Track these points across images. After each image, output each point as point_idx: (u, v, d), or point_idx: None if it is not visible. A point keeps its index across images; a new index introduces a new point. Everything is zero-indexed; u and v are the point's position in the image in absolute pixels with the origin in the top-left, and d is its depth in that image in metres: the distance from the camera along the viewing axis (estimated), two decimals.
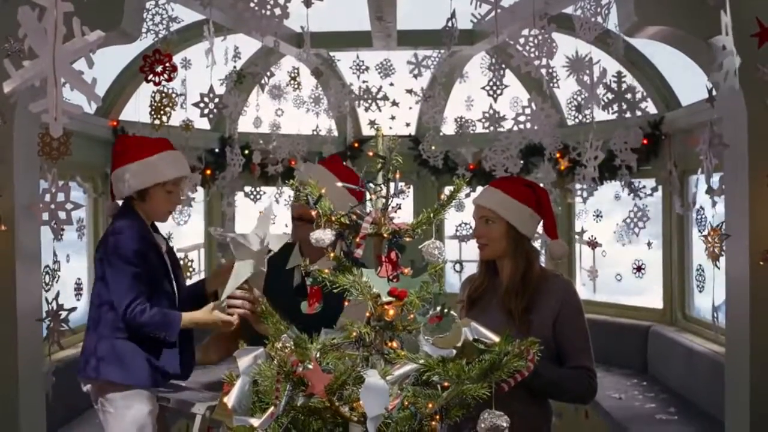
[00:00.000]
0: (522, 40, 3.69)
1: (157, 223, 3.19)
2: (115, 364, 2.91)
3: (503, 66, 4.88)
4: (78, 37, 1.63)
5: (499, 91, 4.70)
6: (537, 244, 3.18)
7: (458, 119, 6.05)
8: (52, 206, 3.08)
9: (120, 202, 3.11)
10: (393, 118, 6.10)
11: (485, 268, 2.71)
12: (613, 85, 4.04)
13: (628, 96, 4.08)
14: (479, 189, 6.44)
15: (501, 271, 2.67)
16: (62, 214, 3.12)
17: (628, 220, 5.09)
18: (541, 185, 3.13)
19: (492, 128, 4.94)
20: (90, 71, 1.73)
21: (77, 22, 1.62)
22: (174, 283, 3.09)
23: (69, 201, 3.07)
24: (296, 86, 5.44)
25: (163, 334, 2.89)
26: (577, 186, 5.23)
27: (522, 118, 4.50)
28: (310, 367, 1.60)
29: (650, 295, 5.94)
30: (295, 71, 5.38)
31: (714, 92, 3.08)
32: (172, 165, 3.02)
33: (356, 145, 6.77)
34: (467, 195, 5.88)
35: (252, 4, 3.42)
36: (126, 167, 2.98)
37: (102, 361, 2.91)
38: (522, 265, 2.59)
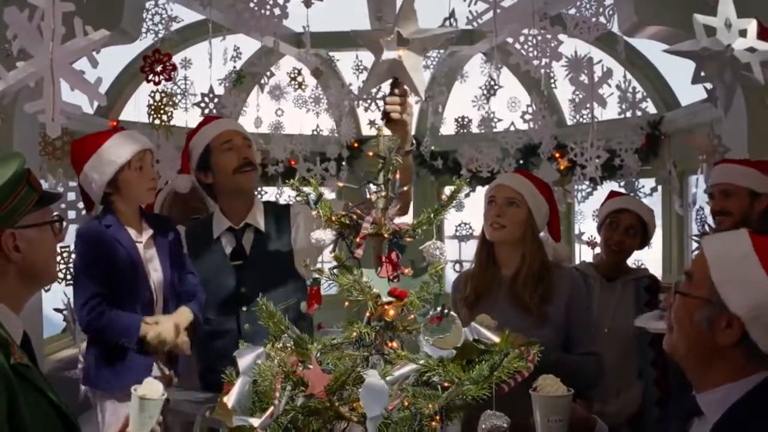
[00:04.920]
0: (522, 39, 3.69)
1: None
2: (102, 370, 2.77)
3: (499, 66, 4.88)
4: (79, 37, 1.62)
5: (492, 92, 4.70)
6: None
7: (458, 119, 6.04)
8: (62, 206, 3.08)
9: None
10: None
11: (485, 261, 2.70)
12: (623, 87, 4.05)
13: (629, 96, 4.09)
14: (479, 189, 6.42)
15: (504, 263, 2.66)
16: (72, 213, 3.11)
17: None
18: None
19: (486, 129, 4.94)
20: (95, 71, 1.72)
21: (79, 21, 1.61)
22: (153, 277, 2.88)
23: (79, 201, 3.06)
24: (297, 86, 5.43)
25: (123, 341, 2.72)
26: (576, 186, 5.24)
27: (527, 117, 4.51)
28: (310, 367, 1.60)
29: None
30: (296, 71, 5.38)
31: (715, 92, 3.07)
32: (127, 143, 2.83)
33: (356, 145, 6.77)
34: (467, 195, 5.88)
35: (251, 4, 3.42)
36: (86, 167, 2.82)
37: (90, 367, 2.81)
38: (538, 255, 2.61)
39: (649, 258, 5.68)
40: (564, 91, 5.58)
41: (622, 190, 5.45)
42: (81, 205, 3.35)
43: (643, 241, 3.25)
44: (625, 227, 3.20)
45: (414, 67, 2.12)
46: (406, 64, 2.10)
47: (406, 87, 2.12)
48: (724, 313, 1.43)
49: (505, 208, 2.61)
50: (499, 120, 5.34)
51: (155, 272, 2.88)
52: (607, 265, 3.25)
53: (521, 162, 5.81)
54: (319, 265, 1.85)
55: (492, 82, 4.69)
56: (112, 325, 2.70)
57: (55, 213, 1.75)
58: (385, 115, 2.12)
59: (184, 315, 2.79)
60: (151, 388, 1.86)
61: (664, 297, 1.59)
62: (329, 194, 5.85)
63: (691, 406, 1.54)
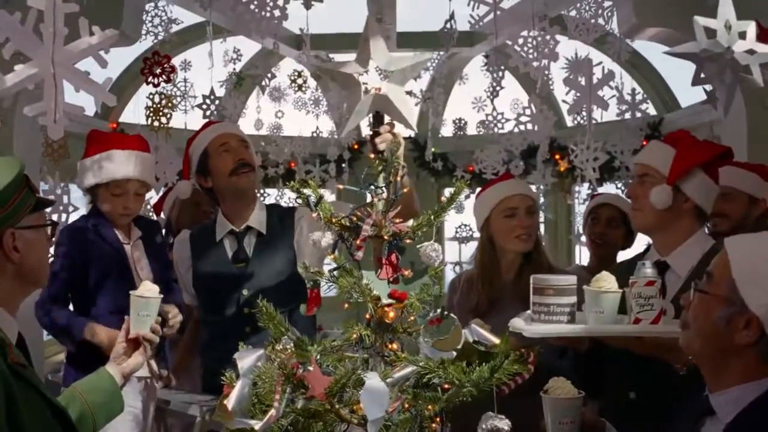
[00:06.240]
0: (521, 41, 3.69)
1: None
2: (81, 372, 2.76)
3: (502, 67, 4.89)
4: (83, 38, 1.62)
5: (496, 93, 4.71)
6: None
7: (456, 121, 6.04)
8: (60, 207, 3.07)
9: None
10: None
11: (493, 268, 2.71)
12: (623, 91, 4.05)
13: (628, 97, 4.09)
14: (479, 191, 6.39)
15: (506, 268, 2.69)
16: (63, 216, 3.11)
17: None
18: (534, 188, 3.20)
19: (489, 130, 4.94)
20: (104, 71, 1.71)
21: (84, 22, 1.60)
22: (141, 277, 2.84)
23: (70, 203, 3.06)
24: (297, 88, 5.43)
25: (65, 341, 2.75)
26: (576, 188, 5.24)
27: (523, 119, 4.51)
28: (310, 369, 1.60)
29: None
30: (296, 74, 5.38)
31: (715, 93, 3.07)
32: (115, 165, 2.75)
33: (356, 146, 6.76)
34: (467, 197, 5.88)
35: (252, 6, 3.42)
36: (84, 162, 2.81)
37: (69, 369, 2.80)
38: (545, 256, 2.69)
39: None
40: (564, 93, 5.58)
41: (620, 193, 5.47)
42: (71, 208, 3.37)
43: (628, 236, 3.24)
44: (606, 219, 3.24)
45: (400, 99, 1.96)
46: (392, 97, 1.94)
47: (388, 120, 2.00)
48: (743, 313, 1.44)
49: (529, 218, 2.67)
50: (507, 120, 5.34)
51: (142, 271, 2.88)
52: (596, 264, 3.24)
53: (522, 163, 5.81)
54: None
55: (494, 84, 4.70)
56: (54, 326, 2.72)
57: (48, 219, 1.78)
58: (377, 151, 1.94)
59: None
60: (148, 288, 2.06)
61: (683, 296, 1.58)
62: (329, 196, 5.85)
63: (703, 406, 1.54)
